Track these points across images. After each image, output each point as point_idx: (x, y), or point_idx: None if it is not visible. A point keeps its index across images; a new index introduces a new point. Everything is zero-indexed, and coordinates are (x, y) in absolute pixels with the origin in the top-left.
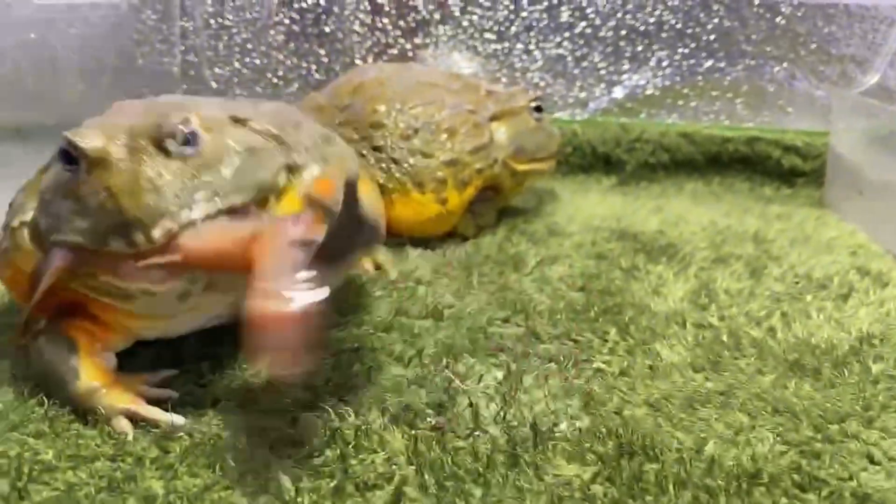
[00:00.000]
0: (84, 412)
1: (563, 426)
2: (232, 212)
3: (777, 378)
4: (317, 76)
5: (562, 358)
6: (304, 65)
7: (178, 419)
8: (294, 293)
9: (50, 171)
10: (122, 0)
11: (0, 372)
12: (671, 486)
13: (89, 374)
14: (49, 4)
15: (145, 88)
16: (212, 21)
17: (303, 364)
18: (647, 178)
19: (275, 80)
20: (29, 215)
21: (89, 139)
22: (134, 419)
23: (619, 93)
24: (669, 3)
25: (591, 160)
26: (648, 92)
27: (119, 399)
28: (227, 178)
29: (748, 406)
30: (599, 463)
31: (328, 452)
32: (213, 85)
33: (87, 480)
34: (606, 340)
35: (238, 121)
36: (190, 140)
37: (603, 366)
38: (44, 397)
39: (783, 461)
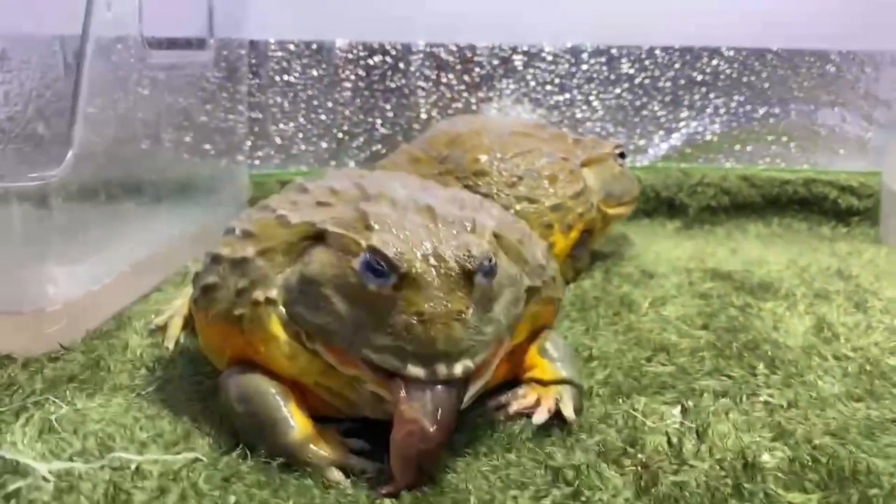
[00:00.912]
0: (293, 463)
1: (765, 457)
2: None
3: None
4: (382, 130)
5: (731, 393)
6: (370, 120)
7: (382, 466)
8: None
9: (320, 259)
10: (210, 59)
11: (183, 423)
12: None
13: (301, 424)
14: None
15: (209, 144)
16: (277, 78)
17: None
18: (710, 220)
19: (339, 135)
20: (274, 292)
21: (401, 256)
22: (344, 470)
23: (677, 140)
24: (725, 54)
25: (655, 204)
26: (707, 138)
27: (329, 450)
28: (503, 315)
29: None
30: (821, 490)
31: (555, 491)
32: (278, 141)
33: None
34: (757, 375)
35: (496, 235)
36: (490, 273)
37: (769, 399)
38: (246, 450)
39: None
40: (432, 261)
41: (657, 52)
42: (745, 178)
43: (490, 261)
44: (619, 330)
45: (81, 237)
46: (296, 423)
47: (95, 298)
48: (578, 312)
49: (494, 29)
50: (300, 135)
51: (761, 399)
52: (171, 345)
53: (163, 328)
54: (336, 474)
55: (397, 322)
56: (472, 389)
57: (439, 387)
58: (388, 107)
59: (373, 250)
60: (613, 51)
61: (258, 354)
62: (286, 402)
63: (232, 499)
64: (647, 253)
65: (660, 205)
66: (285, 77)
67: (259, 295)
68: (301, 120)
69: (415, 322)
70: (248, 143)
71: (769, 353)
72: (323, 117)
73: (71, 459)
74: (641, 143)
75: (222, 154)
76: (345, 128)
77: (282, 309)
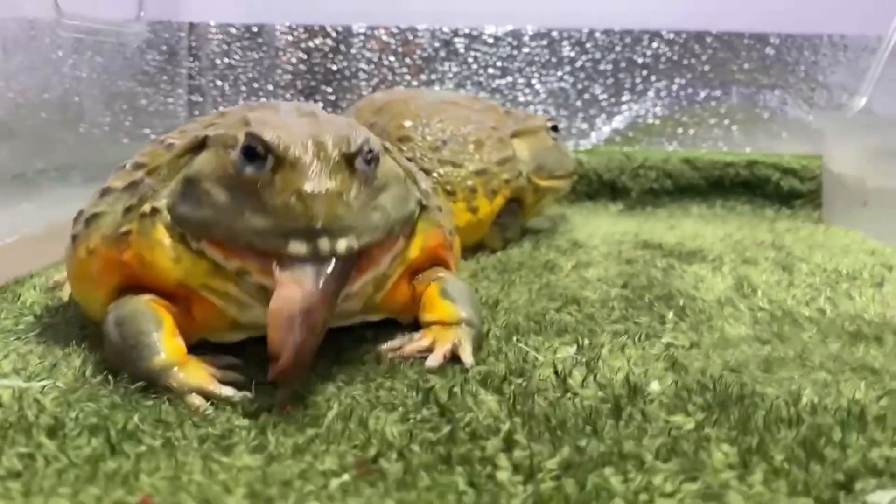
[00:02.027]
0: (155, 389)
1: (654, 385)
2: (386, 240)
3: (843, 346)
4: None
5: (630, 334)
6: (312, 102)
7: (251, 395)
8: None
9: (201, 159)
10: (139, 32)
11: (53, 356)
12: (783, 426)
13: (170, 349)
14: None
15: (148, 128)
16: (218, 61)
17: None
18: (653, 203)
19: (284, 102)
20: (162, 202)
21: (280, 138)
22: (206, 397)
23: (619, 123)
24: (665, 37)
25: (598, 187)
26: (649, 121)
27: (193, 376)
28: (389, 206)
29: (826, 366)
30: (703, 411)
31: (424, 411)
32: None
33: (182, 438)
34: (665, 322)
35: (385, 149)
36: (371, 161)
37: (672, 340)
38: (109, 377)
39: (884, 402)
40: (311, 145)
41: (598, 35)
42: (688, 160)
43: (370, 148)
44: (535, 287)
45: None
46: (164, 347)
47: None
48: (498, 274)
49: (436, 12)
50: None
51: (663, 340)
52: (65, 296)
53: (61, 283)
54: (196, 399)
55: (277, 203)
56: (364, 278)
57: (324, 262)
58: (329, 90)
59: (250, 136)
60: (554, 34)
61: (144, 266)
62: (159, 327)
63: (73, 413)
64: (583, 229)
65: (602, 187)
66: (225, 60)
67: (146, 208)
68: (241, 103)
69: (293, 200)
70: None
71: (681, 304)
72: (264, 100)
73: None
74: (584, 126)
75: (161, 136)
76: None
77: (167, 215)
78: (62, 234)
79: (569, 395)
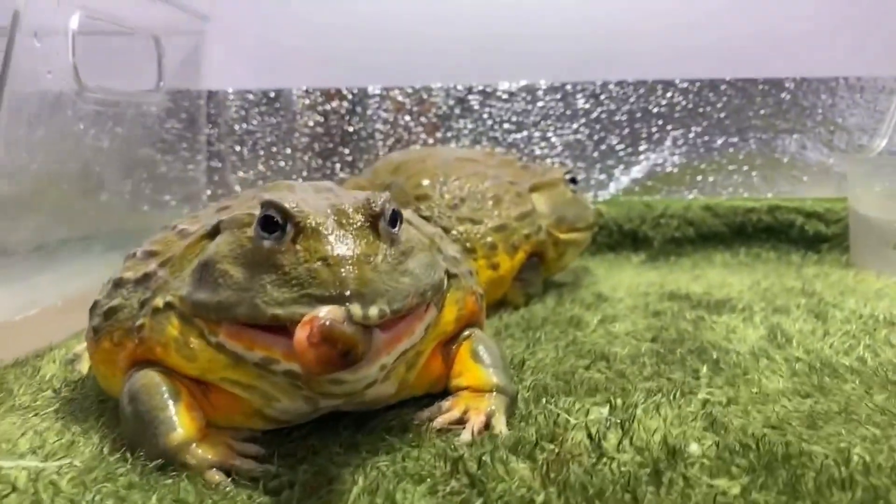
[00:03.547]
0: (173, 466)
1: (693, 446)
2: (419, 307)
3: (888, 397)
4: (342, 175)
5: (665, 391)
6: (329, 164)
7: (273, 468)
8: None
9: (216, 243)
10: (159, 102)
11: (71, 434)
12: (835, 488)
13: (186, 424)
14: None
15: (168, 195)
16: (236, 127)
17: None
18: (676, 252)
19: (299, 181)
20: (171, 297)
21: (298, 205)
22: (227, 472)
23: (638, 172)
24: (679, 86)
25: (619, 238)
26: (667, 170)
27: (212, 451)
28: (419, 270)
29: (874, 420)
30: (748, 474)
31: (454, 482)
32: (237, 188)
33: None
34: (700, 377)
35: (406, 220)
36: (394, 221)
37: (708, 396)
38: (127, 454)
39: None
40: (331, 213)
41: (611, 86)
42: (709, 207)
43: (393, 209)
44: (562, 344)
45: None
46: (180, 423)
47: (14, 329)
48: (523, 332)
49: (449, 70)
50: (260, 182)
51: (699, 397)
52: (84, 368)
53: (80, 354)
54: (216, 476)
55: (301, 272)
56: (400, 346)
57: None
58: (346, 151)
59: (268, 204)
60: (568, 87)
61: (159, 360)
62: (175, 401)
63: (89, 496)
64: (607, 281)
65: (623, 238)
66: (244, 125)
67: (158, 301)
68: (260, 167)
69: (319, 266)
70: (208, 192)
71: (714, 357)
72: (282, 164)
73: None
74: (602, 177)
75: (182, 203)
76: (304, 173)
77: (180, 309)
78: (83, 305)
79: (605, 459)
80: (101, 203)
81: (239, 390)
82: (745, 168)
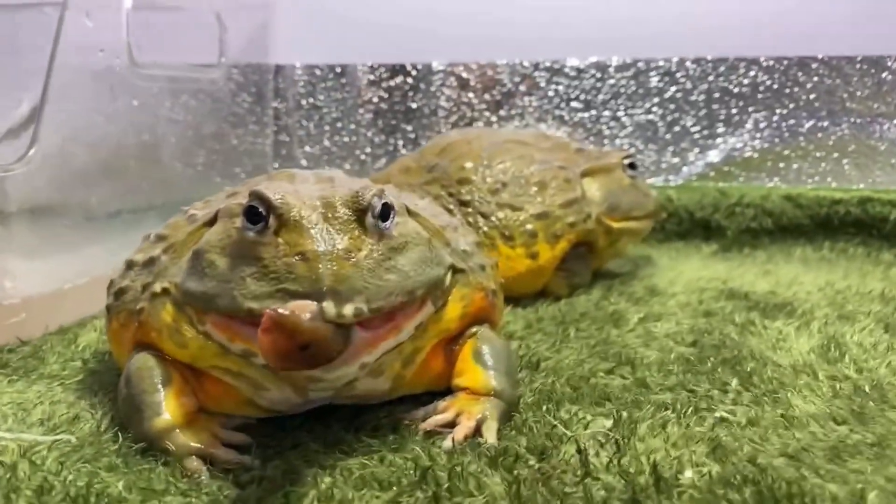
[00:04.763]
0: (155, 451)
1: (688, 474)
2: (406, 305)
3: None
4: (404, 151)
5: (679, 406)
6: (392, 141)
7: (249, 460)
8: None
9: (209, 232)
10: (220, 77)
11: (80, 407)
12: None
13: (173, 410)
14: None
15: (238, 167)
16: (303, 102)
17: None
18: (750, 244)
19: (363, 157)
20: (168, 282)
21: (283, 196)
22: (208, 461)
23: (714, 157)
24: (764, 64)
25: (689, 226)
26: (746, 155)
27: (193, 438)
28: (409, 267)
29: None
30: None
31: (419, 494)
32: (304, 163)
33: None
34: (727, 391)
35: (410, 212)
36: (385, 215)
37: (727, 415)
38: (118, 433)
39: None
40: (318, 205)
41: (688, 64)
42: (790, 197)
43: (383, 202)
44: (591, 344)
45: (48, 235)
46: (166, 407)
47: (63, 298)
48: (555, 327)
49: (515, 45)
50: (325, 157)
51: (716, 415)
52: None
53: None
54: (194, 463)
55: (280, 266)
56: (383, 345)
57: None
58: (409, 128)
59: (253, 195)
60: (641, 64)
61: (154, 344)
62: (165, 386)
63: (64, 475)
64: (666, 273)
65: (694, 226)
66: (310, 100)
67: (157, 286)
68: (326, 143)
69: (296, 261)
70: (275, 165)
71: (749, 369)
72: (346, 139)
73: None
74: (675, 160)
75: (251, 176)
76: (367, 150)
77: (175, 297)
78: None
79: (588, 479)
80: (174, 173)
81: (230, 378)
82: (836, 155)
